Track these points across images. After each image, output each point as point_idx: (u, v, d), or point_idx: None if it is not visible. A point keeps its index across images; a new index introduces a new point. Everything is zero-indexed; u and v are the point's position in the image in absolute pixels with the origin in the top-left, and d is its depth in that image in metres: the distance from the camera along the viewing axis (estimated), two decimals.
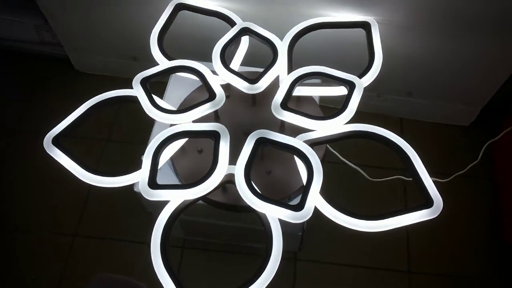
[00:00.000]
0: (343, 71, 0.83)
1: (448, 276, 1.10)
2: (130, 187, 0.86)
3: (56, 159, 0.77)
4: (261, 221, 0.71)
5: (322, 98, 1.15)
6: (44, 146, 0.79)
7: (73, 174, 0.76)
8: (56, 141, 0.79)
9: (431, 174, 1.14)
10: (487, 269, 1.12)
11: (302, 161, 0.73)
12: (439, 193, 0.72)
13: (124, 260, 1.09)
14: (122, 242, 1.13)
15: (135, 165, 0.76)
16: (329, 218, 0.69)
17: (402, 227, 1.14)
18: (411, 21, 1.01)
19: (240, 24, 0.92)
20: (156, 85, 1.00)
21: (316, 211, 0.69)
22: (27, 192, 1.24)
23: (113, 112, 1.36)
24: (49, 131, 0.80)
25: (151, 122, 0.94)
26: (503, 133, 0.98)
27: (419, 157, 0.76)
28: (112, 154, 1.29)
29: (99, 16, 1.21)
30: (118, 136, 1.32)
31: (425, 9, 0.97)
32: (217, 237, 1.11)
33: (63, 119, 0.82)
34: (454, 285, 1.09)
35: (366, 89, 1.23)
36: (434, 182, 1.13)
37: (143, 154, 0.89)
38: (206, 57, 0.88)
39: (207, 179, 0.71)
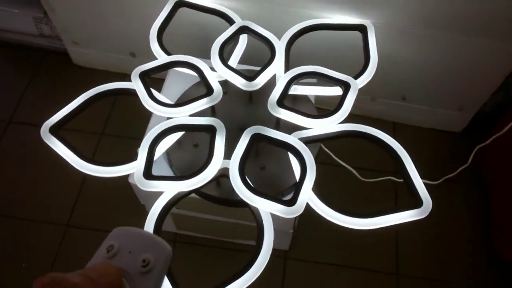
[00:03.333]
0: (339, 72, 0.85)
1: (436, 281, 1.12)
2: (125, 180, 0.87)
3: (53, 147, 0.78)
4: (253, 215, 0.72)
5: (317, 100, 1.18)
6: (41, 134, 0.79)
7: (68, 165, 0.76)
8: (53, 130, 0.80)
9: (422, 177, 1.17)
10: (475, 276, 1.13)
11: (296, 158, 0.74)
12: (431, 195, 0.73)
13: None
14: None
15: (130, 158, 0.76)
16: (319, 219, 0.70)
17: (392, 228, 1.16)
18: (407, 26, 1.03)
19: (239, 22, 0.94)
20: (154, 81, 1.01)
21: (309, 211, 0.70)
22: (20, 181, 1.25)
23: (108, 107, 1.37)
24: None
25: (145, 117, 0.95)
26: (492, 137, 0.99)
27: (416, 161, 0.78)
28: (107, 147, 1.29)
29: (99, 11, 1.22)
30: (113, 130, 1.33)
31: (422, 15, 1.00)
32: (209, 233, 1.12)
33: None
34: None
35: (361, 92, 1.25)
36: (424, 184, 1.15)
37: (139, 146, 0.90)
38: (205, 55, 0.89)
39: (201, 172, 0.72)
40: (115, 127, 1.34)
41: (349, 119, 0.80)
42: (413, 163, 0.74)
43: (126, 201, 0.94)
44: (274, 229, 0.99)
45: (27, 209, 1.19)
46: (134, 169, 0.75)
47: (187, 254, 1.12)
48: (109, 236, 0.41)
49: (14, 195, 1.22)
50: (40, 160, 1.24)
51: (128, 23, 1.23)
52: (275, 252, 1.11)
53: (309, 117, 0.78)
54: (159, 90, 0.98)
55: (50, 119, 0.81)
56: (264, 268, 1.10)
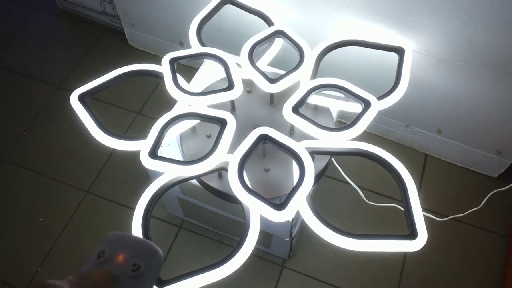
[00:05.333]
0: (368, 92, 0.83)
1: None
2: None
3: (76, 112, 0.84)
4: (243, 212, 0.73)
5: (344, 116, 1.16)
6: (70, 99, 0.85)
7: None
8: (81, 97, 0.86)
9: (431, 212, 1.12)
10: None
11: (297, 165, 0.74)
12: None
13: (125, 225, 1.14)
14: (127, 208, 1.19)
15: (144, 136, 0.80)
16: None
17: (399, 260, 1.12)
18: (451, 56, 0.99)
19: (276, 26, 0.95)
20: (189, 71, 1.05)
21: None
22: (57, 142, 1.33)
23: (151, 88, 1.43)
24: None
25: None
26: (510, 185, 0.92)
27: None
28: (139, 126, 1.35)
29: None
30: (149, 112, 1.39)
31: (470, 47, 0.95)
32: (211, 225, 1.13)
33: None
34: None
35: (395, 118, 1.23)
36: (430, 219, 1.10)
37: None
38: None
39: (202, 161, 0.74)
40: (152, 109, 1.40)
41: (377, 141, 0.77)
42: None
43: (145, 180, 0.98)
44: (271, 235, 0.99)
45: (55, 169, 1.28)
46: (142, 146, 0.78)
47: (188, 241, 1.15)
48: (100, 242, 0.41)
49: (47, 155, 1.31)
50: (77, 128, 1.33)
51: (180, 13, 1.28)
52: (273, 259, 1.12)
53: (318, 127, 0.77)
54: (191, 78, 1.02)
55: (81, 87, 0.87)
56: (259, 272, 1.10)
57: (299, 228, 1.01)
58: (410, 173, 0.75)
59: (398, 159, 0.76)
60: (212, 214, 1.01)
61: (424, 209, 0.72)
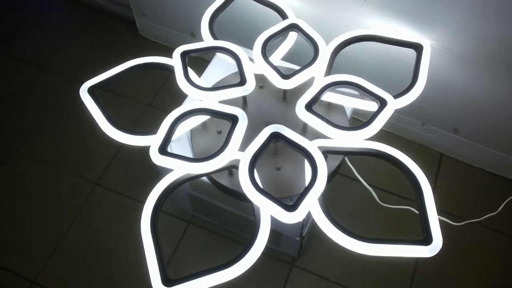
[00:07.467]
0: (384, 89, 0.80)
1: None
2: None
3: (86, 105, 0.82)
4: (253, 211, 0.71)
5: (358, 112, 1.13)
6: (80, 92, 0.84)
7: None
8: (91, 90, 0.84)
9: (447, 215, 1.09)
10: None
11: (309, 165, 0.72)
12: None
13: (134, 218, 1.13)
14: (136, 202, 1.19)
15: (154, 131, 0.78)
16: None
17: (410, 264, 1.09)
18: (471, 53, 0.96)
19: (290, 19, 0.92)
20: (200, 63, 1.03)
21: None
22: (67, 134, 1.33)
23: (162, 81, 1.42)
24: None
25: None
26: None
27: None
28: (150, 119, 1.34)
29: None
30: (159, 104, 1.38)
31: (491, 45, 0.92)
32: (221, 221, 1.12)
33: None
34: None
35: (410, 115, 1.20)
36: (445, 223, 1.07)
37: None
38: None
39: (212, 158, 0.72)
40: (162, 101, 1.38)
41: (391, 139, 0.75)
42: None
43: (155, 173, 0.98)
44: (281, 233, 0.98)
45: (65, 161, 1.28)
46: (151, 142, 0.77)
47: (197, 237, 1.14)
48: None
49: (57, 145, 1.31)
50: (87, 119, 1.32)
51: (192, 3, 1.26)
52: (282, 257, 1.10)
53: (332, 126, 0.75)
54: (202, 71, 1.00)
55: (91, 79, 0.86)
56: (268, 271, 1.09)
57: (309, 227, 0.99)
58: (425, 173, 0.72)
59: (412, 158, 0.73)
60: (222, 210, 0.99)
61: (439, 211, 0.70)
